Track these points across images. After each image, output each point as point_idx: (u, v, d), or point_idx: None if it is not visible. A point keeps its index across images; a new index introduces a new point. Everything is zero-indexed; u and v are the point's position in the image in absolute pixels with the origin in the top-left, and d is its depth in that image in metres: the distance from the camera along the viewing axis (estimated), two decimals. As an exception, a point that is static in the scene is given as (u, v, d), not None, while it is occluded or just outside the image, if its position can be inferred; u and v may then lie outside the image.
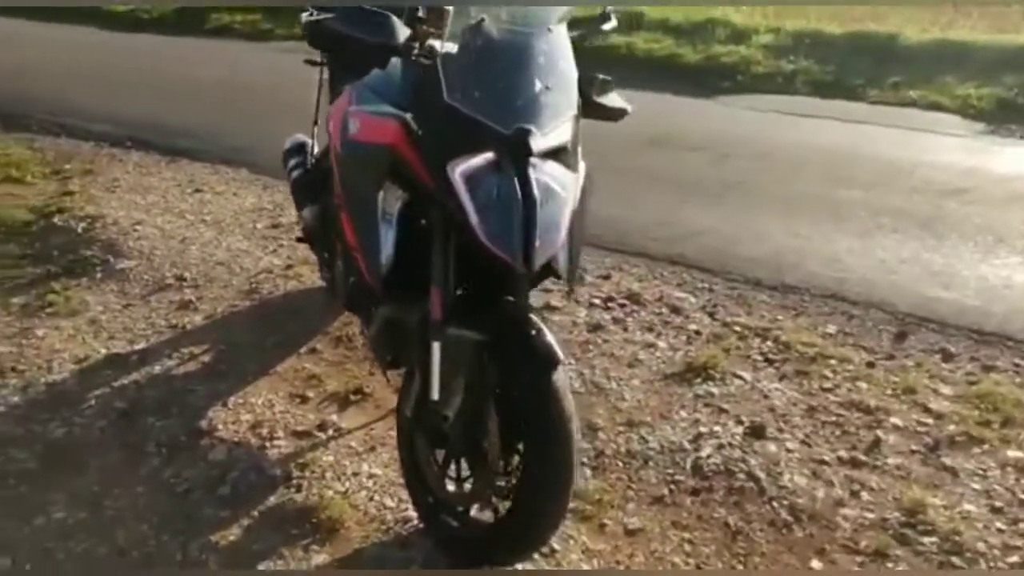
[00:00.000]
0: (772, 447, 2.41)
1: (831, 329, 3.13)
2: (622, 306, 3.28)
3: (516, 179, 1.63)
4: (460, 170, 1.65)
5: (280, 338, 3.02)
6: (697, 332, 3.08)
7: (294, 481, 2.26)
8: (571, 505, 2.15)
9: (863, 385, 2.75)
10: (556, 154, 1.73)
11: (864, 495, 2.23)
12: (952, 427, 2.52)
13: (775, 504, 2.19)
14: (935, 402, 2.65)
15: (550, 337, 1.77)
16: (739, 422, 2.53)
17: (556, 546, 2.02)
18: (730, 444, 2.42)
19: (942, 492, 2.24)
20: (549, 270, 1.94)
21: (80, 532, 2.10)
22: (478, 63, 1.74)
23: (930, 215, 4.16)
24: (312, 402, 2.65)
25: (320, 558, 2.00)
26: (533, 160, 1.66)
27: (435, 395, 1.82)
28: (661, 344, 2.99)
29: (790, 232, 3.97)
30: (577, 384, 2.69)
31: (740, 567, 1.99)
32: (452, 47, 1.79)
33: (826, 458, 2.37)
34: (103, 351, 2.95)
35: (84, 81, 7.32)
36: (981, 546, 2.04)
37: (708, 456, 2.36)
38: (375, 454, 2.39)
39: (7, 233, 4.07)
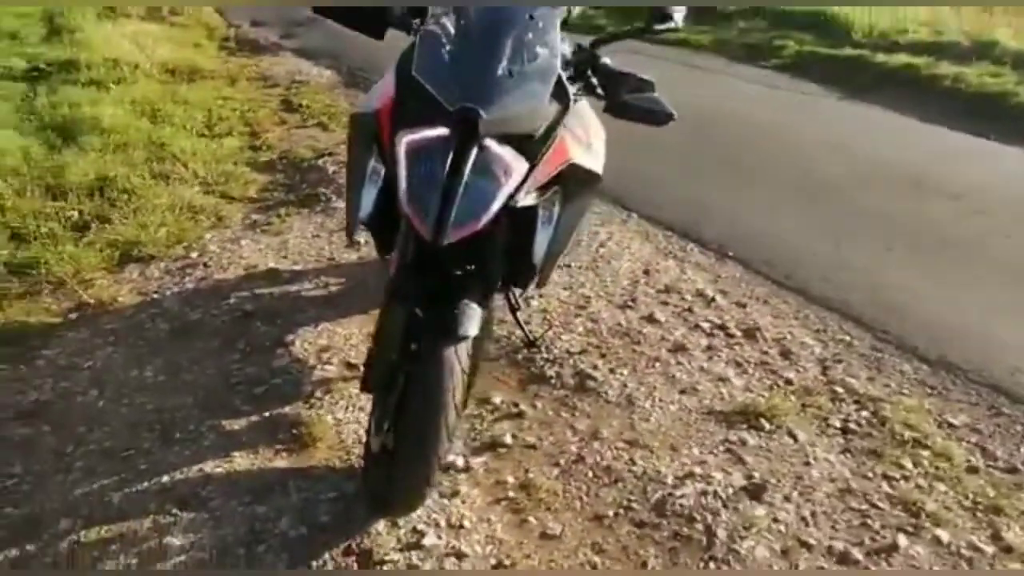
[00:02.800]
0: (760, 511, 2.16)
1: (958, 420, 2.62)
2: (730, 336, 3.06)
3: (452, 155, 1.69)
4: (407, 140, 1.77)
5: (397, 287, 3.34)
6: (788, 381, 2.79)
7: (312, 399, 2.57)
8: (508, 494, 2.20)
9: (940, 487, 2.30)
10: (515, 140, 1.77)
11: (824, 592, 1.93)
12: (1011, 564, 2.03)
13: (712, 564, 1.99)
14: (1018, 531, 2.14)
15: (471, 316, 1.80)
16: (748, 477, 2.29)
17: (466, 523, 2.08)
18: (715, 494, 2.21)
19: (927, 624, 1.85)
20: (526, 259, 1.98)
21: (149, 389, 2.63)
22: (449, 41, 1.83)
23: None
24: (382, 345, 2.93)
25: (281, 463, 2.29)
26: (486, 141, 1.71)
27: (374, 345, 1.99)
28: (736, 382, 2.76)
29: (995, 306, 3.31)
30: (612, 393, 2.63)
31: (624, 607, 1.88)
32: (436, 24, 1.90)
33: (813, 542, 2.07)
34: (271, 265, 3.52)
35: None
36: None
37: (681, 497, 2.20)
38: (391, 399, 2.60)
39: (286, 165, 4.94)
